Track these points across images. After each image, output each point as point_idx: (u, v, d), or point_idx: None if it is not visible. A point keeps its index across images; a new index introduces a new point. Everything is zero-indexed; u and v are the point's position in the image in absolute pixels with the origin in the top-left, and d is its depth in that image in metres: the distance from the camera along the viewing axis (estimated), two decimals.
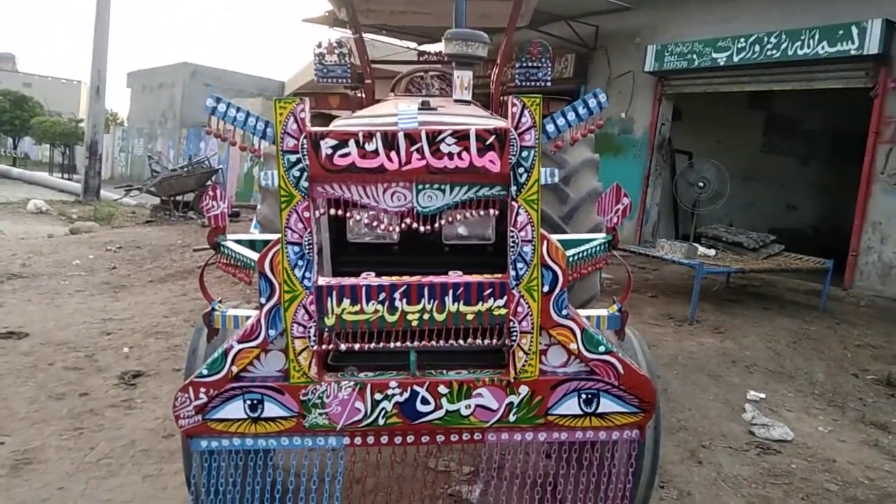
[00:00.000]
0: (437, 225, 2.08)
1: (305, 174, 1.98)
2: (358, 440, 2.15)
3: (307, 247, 2.01)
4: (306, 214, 2.00)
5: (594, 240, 2.41)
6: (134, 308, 6.20)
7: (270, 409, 2.09)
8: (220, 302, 2.41)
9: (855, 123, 9.46)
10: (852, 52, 7.76)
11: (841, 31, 7.83)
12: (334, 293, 2.04)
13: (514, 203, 2.01)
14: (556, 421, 2.13)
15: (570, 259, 2.18)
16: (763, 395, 4.65)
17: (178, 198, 13.68)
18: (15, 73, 66.53)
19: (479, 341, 2.08)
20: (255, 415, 2.09)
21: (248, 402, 2.09)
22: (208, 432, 2.11)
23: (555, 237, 2.12)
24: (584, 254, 2.33)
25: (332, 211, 2.07)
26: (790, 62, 8.40)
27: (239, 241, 2.51)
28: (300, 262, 2.02)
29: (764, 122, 12.46)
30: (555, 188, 3.90)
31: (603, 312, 2.38)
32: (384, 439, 2.16)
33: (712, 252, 7.35)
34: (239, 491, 2.28)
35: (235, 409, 2.09)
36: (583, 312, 2.30)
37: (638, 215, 10.45)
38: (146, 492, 3.09)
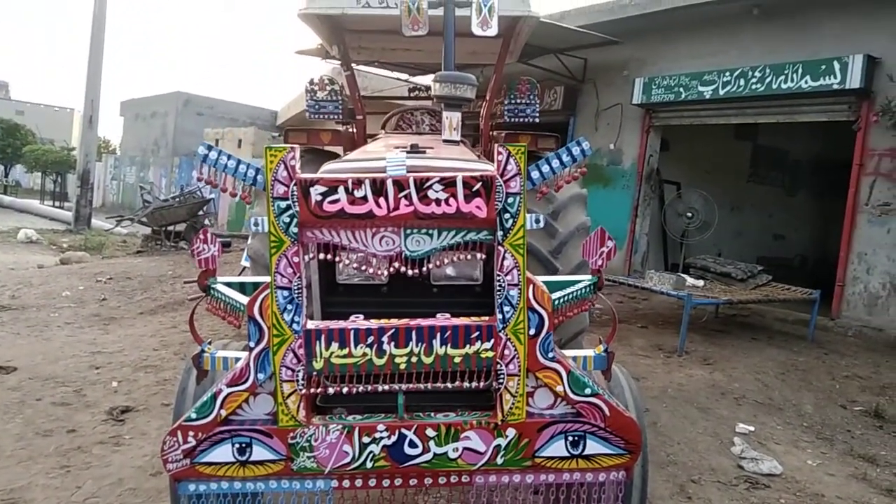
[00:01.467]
0: (425, 268, 2.11)
1: (295, 220, 2.02)
2: (346, 483, 2.16)
3: (296, 291, 2.04)
4: (296, 259, 2.03)
5: (580, 282, 2.46)
6: (123, 341, 6.18)
7: (259, 453, 2.10)
8: (209, 343, 2.43)
9: (839, 154, 9.62)
10: (835, 87, 7.91)
11: (823, 66, 7.99)
12: (323, 337, 2.07)
13: (500, 248, 2.05)
14: (543, 463, 2.15)
15: (556, 302, 2.22)
16: (752, 428, 4.67)
17: (170, 228, 13.68)
18: (7, 100, 66.72)
19: (466, 384, 2.11)
20: (244, 458, 2.10)
21: (237, 445, 2.10)
22: (196, 476, 2.11)
23: (540, 279, 2.16)
24: (570, 297, 2.37)
25: (322, 255, 2.10)
26: (774, 96, 8.56)
27: (229, 285, 2.54)
28: (289, 307, 2.05)
29: (750, 152, 12.63)
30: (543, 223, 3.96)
31: (589, 353, 2.41)
32: (372, 482, 2.17)
33: (701, 283, 7.41)
34: None
35: (224, 453, 2.10)
36: (569, 353, 2.33)
37: (627, 245, 10.53)
38: None
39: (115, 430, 4.16)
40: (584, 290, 2.42)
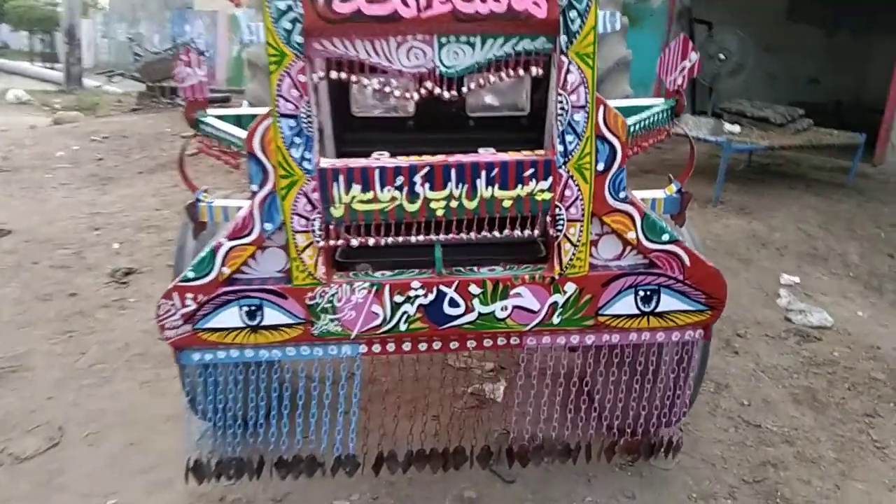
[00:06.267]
0: (463, 90, 1.67)
1: (299, 26, 1.56)
2: (376, 347, 1.85)
3: (304, 120, 1.62)
4: (301, 78, 1.59)
5: (654, 106, 2.00)
6: (123, 201, 5.83)
7: (272, 316, 1.78)
8: (205, 191, 2.05)
9: None
10: None
11: None
12: (341, 177, 1.67)
13: (563, 58, 1.59)
14: (607, 322, 1.82)
15: (631, 129, 1.80)
16: (797, 279, 4.37)
17: (164, 83, 12.92)
18: None
19: (517, 232, 1.74)
20: (255, 322, 1.78)
21: (245, 308, 1.77)
22: (200, 344, 1.80)
23: (611, 102, 1.72)
24: (646, 123, 1.93)
25: (334, 74, 1.66)
26: None
27: (222, 118, 2.11)
28: (297, 140, 1.63)
29: None
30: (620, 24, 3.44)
31: (658, 194, 2.01)
32: (406, 346, 1.86)
33: (737, 128, 6.86)
34: (241, 407, 2.00)
35: (230, 317, 1.78)
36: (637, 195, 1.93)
37: (654, 91, 9.84)
38: (143, 399, 2.85)
39: (118, 292, 3.90)
40: (661, 116, 1.98)
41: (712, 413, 2.93)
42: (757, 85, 10.72)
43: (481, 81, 1.68)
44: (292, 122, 1.62)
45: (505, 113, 2.06)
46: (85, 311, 3.66)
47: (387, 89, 1.68)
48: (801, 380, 3.22)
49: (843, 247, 5.09)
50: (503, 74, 1.66)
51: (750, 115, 7.21)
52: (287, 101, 1.61)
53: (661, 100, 2.04)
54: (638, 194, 1.95)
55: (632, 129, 1.79)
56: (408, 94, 1.68)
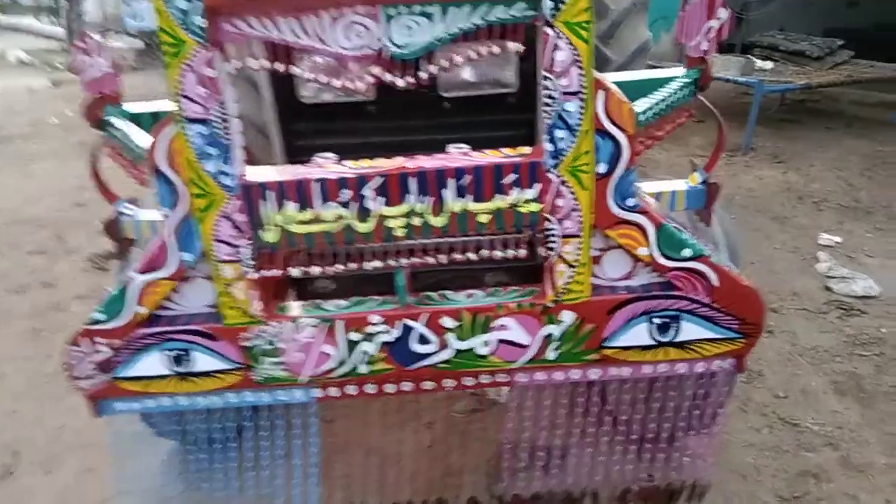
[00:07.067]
0: (422, 74, 1.30)
1: (199, 4, 1.19)
2: (334, 391, 1.53)
3: (219, 124, 1.26)
4: (209, 72, 1.23)
5: (672, 79, 1.60)
6: (111, 171, 5.52)
7: (202, 362, 1.46)
8: (130, 202, 1.71)
9: None
10: None
11: None
12: (272, 194, 1.32)
13: (548, 30, 1.21)
14: (614, 355, 1.47)
15: (642, 118, 1.40)
16: (838, 239, 3.95)
17: None
18: None
19: (497, 253, 1.38)
20: (182, 369, 1.47)
21: (170, 353, 1.45)
22: (122, 394, 1.50)
23: (610, 78, 1.33)
24: (663, 106, 1.52)
25: (253, 64, 1.29)
26: None
27: (137, 116, 1.76)
28: (211, 150, 1.28)
29: None
30: None
31: (679, 186, 1.63)
32: (370, 389, 1.54)
33: (769, 65, 6.30)
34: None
35: (153, 364, 1.47)
36: (648, 187, 1.55)
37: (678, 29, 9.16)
38: None
39: (95, 280, 3.64)
40: (682, 94, 1.57)
41: (743, 408, 2.60)
42: (789, 13, 9.93)
43: (444, 63, 1.30)
44: (203, 129, 1.27)
45: (486, 91, 1.67)
46: (60, 304, 3.41)
47: (322, 79, 1.30)
48: (844, 364, 2.86)
49: (888, 196, 4.62)
50: (472, 53, 1.27)
51: (783, 50, 6.62)
52: (193, 101, 1.25)
53: (681, 70, 1.63)
54: (653, 186, 1.58)
55: (643, 117, 1.40)
56: (350, 85, 1.31)
